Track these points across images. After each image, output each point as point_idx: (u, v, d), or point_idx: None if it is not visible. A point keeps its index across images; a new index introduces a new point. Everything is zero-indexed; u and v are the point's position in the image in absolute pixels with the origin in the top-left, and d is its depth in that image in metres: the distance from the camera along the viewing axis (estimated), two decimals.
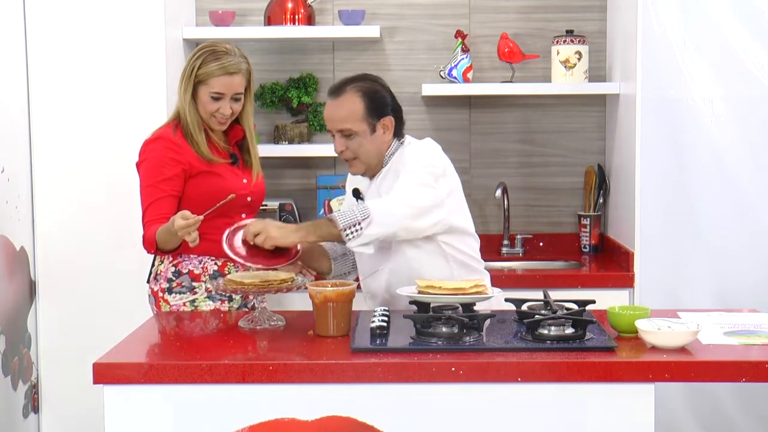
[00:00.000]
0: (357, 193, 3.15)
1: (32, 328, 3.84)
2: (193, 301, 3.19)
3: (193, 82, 3.19)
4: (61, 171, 3.82)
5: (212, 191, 3.16)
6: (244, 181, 3.27)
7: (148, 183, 3.19)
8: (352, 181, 3.23)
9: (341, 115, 3.04)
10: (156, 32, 3.80)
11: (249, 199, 3.28)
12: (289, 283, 2.88)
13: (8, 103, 3.68)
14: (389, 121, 3.07)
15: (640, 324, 2.62)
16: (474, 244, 3.15)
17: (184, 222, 2.87)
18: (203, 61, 3.19)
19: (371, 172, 3.11)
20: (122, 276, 3.83)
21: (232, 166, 3.27)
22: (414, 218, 2.93)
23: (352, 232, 2.86)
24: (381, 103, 3.07)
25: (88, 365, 2.50)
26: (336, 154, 3.13)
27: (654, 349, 2.58)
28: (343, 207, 3.28)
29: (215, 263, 3.22)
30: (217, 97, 3.19)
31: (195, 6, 4.36)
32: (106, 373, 2.48)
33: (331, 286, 2.76)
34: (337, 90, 3.07)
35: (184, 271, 3.21)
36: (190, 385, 2.48)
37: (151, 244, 3.09)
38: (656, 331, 2.58)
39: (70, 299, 3.84)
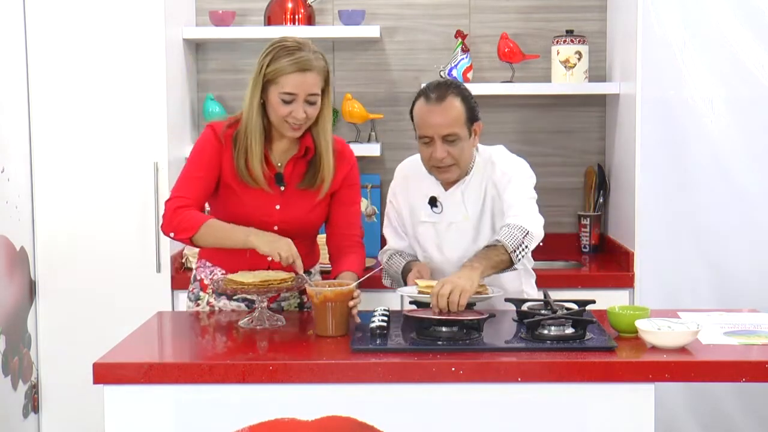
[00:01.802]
0: (434, 201, 3.10)
1: (32, 328, 3.84)
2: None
3: (263, 81, 2.87)
4: (61, 171, 3.82)
5: (228, 212, 2.96)
6: (276, 207, 2.96)
7: (188, 162, 2.99)
8: (422, 189, 3.13)
9: (449, 119, 2.96)
10: (156, 32, 3.79)
11: (276, 228, 2.97)
12: (289, 283, 2.88)
13: (8, 103, 3.68)
14: (479, 126, 3.07)
15: (640, 324, 2.62)
16: None
17: (286, 255, 2.77)
18: (273, 57, 2.86)
19: (461, 177, 3.08)
20: (122, 276, 3.83)
21: (271, 187, 2.96)
22: (542, 228, 2.99)
23: (520, 252, 2.88)
24: (474, 107, 3.05)
25: (88, 365, 2.50)
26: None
27: (654, 349, 2.58)
28: (441, 217, 3.12)
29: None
30: (289, 99, 2.85)
31: (195, 6, 4.36)
32: (106, 373, 2.48)
33: (330, 287, 2.76)
34: (439, 95, 2.98)
35: (198, 277, 3.10)
36: (190, 385, 2.48)
37: (190, 228, 2.86)
38: (656, 331, 2.58)
39: (70, 299, 3.84)
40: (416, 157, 3.16)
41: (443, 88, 3.01)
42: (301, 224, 3.01)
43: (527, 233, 2.89)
